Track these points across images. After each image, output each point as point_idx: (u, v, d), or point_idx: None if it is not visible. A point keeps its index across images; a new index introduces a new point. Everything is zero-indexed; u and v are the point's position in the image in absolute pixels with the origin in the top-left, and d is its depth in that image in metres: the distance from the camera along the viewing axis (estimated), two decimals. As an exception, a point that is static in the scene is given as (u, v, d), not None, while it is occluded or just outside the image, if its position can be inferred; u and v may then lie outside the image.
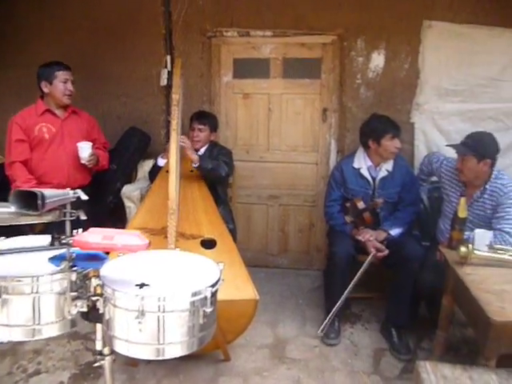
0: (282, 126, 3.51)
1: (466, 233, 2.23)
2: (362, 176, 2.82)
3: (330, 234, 2.99)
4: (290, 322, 2.93)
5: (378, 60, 3.22)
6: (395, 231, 2.76)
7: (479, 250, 2.05)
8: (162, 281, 1.35)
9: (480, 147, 2.36)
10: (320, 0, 3.16)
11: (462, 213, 2.17)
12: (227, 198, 3.23)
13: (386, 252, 2.68)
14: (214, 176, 2.89)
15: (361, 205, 2.72)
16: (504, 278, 1.99)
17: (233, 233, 2.87)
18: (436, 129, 3.23)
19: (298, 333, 2.81)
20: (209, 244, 2.36)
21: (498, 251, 2.09)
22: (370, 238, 2.71)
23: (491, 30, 3.05)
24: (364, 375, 2.42)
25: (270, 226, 3.70)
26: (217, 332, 1.47)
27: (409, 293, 2.58)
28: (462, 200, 2.19)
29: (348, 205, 2.79)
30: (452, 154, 2.60)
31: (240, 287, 2.07)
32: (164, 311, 1.24)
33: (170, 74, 3.28)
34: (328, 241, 3.02)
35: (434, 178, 2.92)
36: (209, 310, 1.28)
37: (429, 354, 2.51)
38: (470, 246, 2.05)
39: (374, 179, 2.82)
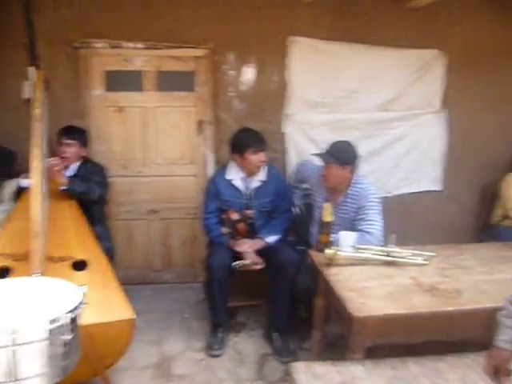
0: (158, 139, 3.47)
1: (333, 235, 2.39)
2: (234, 187, 2.88)
3: (209, 246, 3.01)
4: (176, 337, 2.89)
5: (248, 73, 3.34)
6: (271, 238, 2.86)
7: (343, 251, 2.22)
8: (14, 311, 1.25)
9: (341, 155, 2.55)
10: (192, 14, 3.19)
11: (327, 217, 2.33)
12: (104, 216, 3.10)
13: (262, 266, 2.76)
14: (86, 199, 2.76)
15: (235, 216, 2.79)
16: (365, 275, 2.17)
17: (110, 252, 2.76)
18: (306, 138, 3.43)
19: (184, 348, 2.78)
20: (80, 265, 2.24)
21: (360, 250, 2.27)
22: (247, 248, 2.78)
23: (350, 45, 3.34)
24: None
25: (153, 242, 3.62)
26: (93, 357, 1.40)
27: (287, 297, 2.69)
28: (326, 205, 2.35)
29: (224, 216, 2.84)
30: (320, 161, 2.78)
31: (114, 308, 1.99)
32: (15, 344, 1.15)
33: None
34: (207, 252, 3.05)
35: (306, 185, 3.09)
36: (69, 337, 1.22)
37: (310, 354, 2.62)
38: (335, 247, 2.20)
39: (247, 189, 2.90)
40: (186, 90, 3.41)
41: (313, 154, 2.79)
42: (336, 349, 2.69)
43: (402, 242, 2.54)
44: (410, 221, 3.70)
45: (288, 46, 3.29)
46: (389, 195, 3.59)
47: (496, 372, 1.46)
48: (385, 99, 3.44)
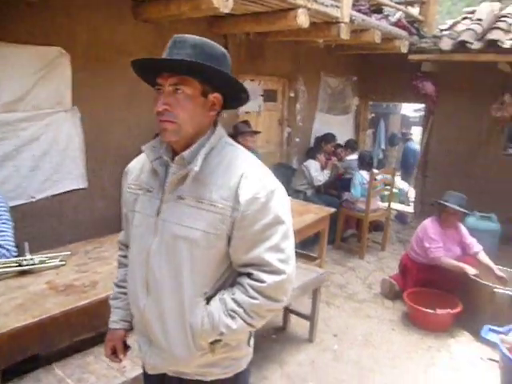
0: None
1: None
2: None
3: None
4: None
5: None
6: None
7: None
8: None
9: None
10: None
11: None
12: None
13: None
14: None
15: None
16: None
17: None
18: None
19: None
20: None
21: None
22: None
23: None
24: None
25: None
26: None
27: None
28: None
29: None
30: None
31: None
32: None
33: None
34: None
35: None
36: None
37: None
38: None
39: None
40: None
41: None
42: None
43: (56, 245, 2.45)
44: (61, 222, 3.61)
45: None
46: (33, 200, 3.39)
47: (114, 352, 1.55)
48: (8, 99, 3.18)
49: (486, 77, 5.84)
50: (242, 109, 5.25)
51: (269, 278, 1.26)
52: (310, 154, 5.78)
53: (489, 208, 5.44)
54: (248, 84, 5.29)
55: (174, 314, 1.32)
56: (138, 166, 1.46)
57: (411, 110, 11.21)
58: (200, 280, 1.30)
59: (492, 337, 2.96)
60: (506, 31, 5.23)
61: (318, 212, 4.06)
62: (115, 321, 1.55)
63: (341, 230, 5.49)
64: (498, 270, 3.87)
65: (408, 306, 3.83)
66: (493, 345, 2.95)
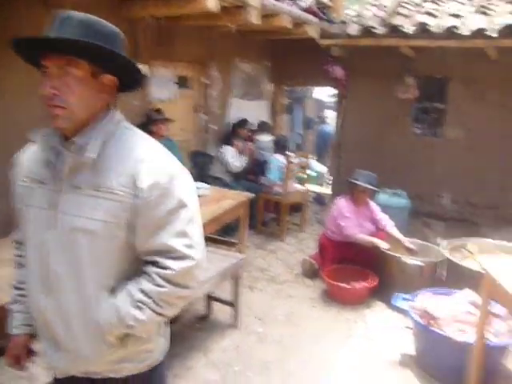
0: None
1: None
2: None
3: None
4: None
5: None
6: None
7: None
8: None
9: None
10: None
11: None
12: None
13: None
14: None
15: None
16: None
17: None
18: None
19: None
20: None
21: None
22: None
23: None
24: None
25: None
26: None
27: None
28: None
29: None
30: None
31: None
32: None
33: None
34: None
35: None
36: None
37: None
38: None
39: None
40: None
41: None
42: None
43: None
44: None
45: None
46: None
47: (17, 359, 1.44)
48: None
49: (391, 61, 6.13)
50: (156, 96, 5.11)
51: (175, 265, 1.22)
52: (227, 140, 5.76)
53: (399, 185, 5.77)
54: (160, 71, 5.14)
55: (78, 311, 1.24)
56: (29, 157, 1.34)
57: (326, 95, 11.54)
58: (103, 272, 1.23)
59: (403, 304, 3.15)
60: (408, 17, 5.52)
61: (236, 198, 4.07)
62: (16, 326, 1.43)
63: (261, 215, 5.56)
64: (408, 242, 4.12)
65: (326, 282, 3.98)
66: (404, 312, 3.14)
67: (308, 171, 6.63)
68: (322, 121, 9.77)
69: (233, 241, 4.31)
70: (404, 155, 6.40)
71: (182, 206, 1.23)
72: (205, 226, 3.41)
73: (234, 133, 5.90)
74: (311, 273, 4.36)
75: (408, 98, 6.12)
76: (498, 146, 5.87)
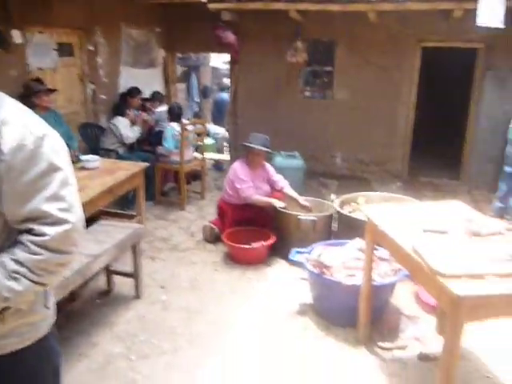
0: None
1: None
2: None
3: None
4: None
5: None
6: None
7: None
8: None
9: None
10: None
11: None
12: None
13: None
14: None
15: None
16: None
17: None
18: None
19: None
20: None
21: None
22: None
23: None
24: None
25: None
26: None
27: None
28: None
29: None
30: None
31: None
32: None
33: None
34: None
35: None
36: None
37: None
38: None
39: None
40: None
41: None
42: None
43: None
44: None
45: None
46: None
47: None
48: None
49: (281, 25, 6.24)
50: (35, 64, 4.72)
51: (51, 230, 1.16)
52: (118, 110, 5.52)
53: (294, 147, 5.98)
54: (38, 37, 4.74)
55: None
56: None
57: (221, 62, 11.45)
58: (-29, 246, 1.14)
59: (299, 258, 3.32)
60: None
61: (130, 168, 3.94)
62: None
63: (160, 185, 5.47)
64: (303, 200, 4.32)
65: (227, 245, 4.06)
66: (300, 265, 3.31)
67: (206, 139, 6.60)
68: (221, 88, 9.70)
69: (131, 213, 4.20)
70: (297, 118, 6.62)
71: (53, 168, 1.17)
72: (98, 198, 3.36)
73: (126, 103, 5.65)
74: (213, 238, 4.41)
75: (298, 61, 6.29)
76: (381, 106, 6.30)
